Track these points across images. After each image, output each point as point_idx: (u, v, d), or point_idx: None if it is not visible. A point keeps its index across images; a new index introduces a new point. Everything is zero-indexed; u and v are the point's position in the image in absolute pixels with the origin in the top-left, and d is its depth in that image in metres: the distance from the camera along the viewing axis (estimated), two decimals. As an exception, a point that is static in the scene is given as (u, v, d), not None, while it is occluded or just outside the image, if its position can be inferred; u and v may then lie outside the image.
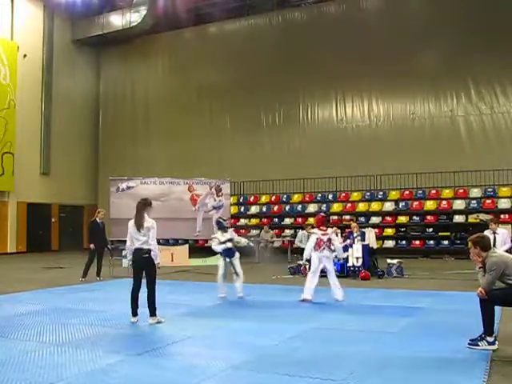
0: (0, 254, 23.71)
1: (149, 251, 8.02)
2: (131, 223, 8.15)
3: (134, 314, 8.11)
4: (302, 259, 15.57)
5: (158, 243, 20.76)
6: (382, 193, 23.33)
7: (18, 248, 24.62)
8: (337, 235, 11.43)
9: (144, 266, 8.10)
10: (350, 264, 14.46)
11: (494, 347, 6.21)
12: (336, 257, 11.65)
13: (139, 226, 8.04)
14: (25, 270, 17.33)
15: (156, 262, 8.08)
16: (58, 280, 14.07)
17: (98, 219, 14.22)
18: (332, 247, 10.36)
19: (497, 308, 6.47)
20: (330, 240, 10.29)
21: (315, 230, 10.45)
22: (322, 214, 11.08)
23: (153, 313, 8.05)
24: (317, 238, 10.24)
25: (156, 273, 8.16)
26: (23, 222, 25.72)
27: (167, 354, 6.25)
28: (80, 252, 22.05)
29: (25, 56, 26.40)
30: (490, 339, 6.24)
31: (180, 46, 28.89)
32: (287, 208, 24.64)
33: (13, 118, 25.39)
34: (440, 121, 23.13)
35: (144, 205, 8.22)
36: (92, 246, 14.04)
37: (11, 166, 25.23)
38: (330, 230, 10.42)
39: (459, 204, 21.64)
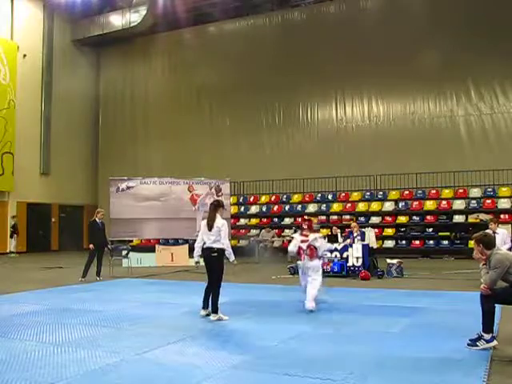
0: (0, 253, 23.73)
1: (218, 250, 8.34)
2: (203, 223, 8.57)
3: (204, 306, 8.56)
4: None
5: (158, 243, 20.72)
6: (381, 193, 23.34)
7: (17, 248, 24.62)
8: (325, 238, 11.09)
9: (211, 264, 8.46)
10: (349, 264, 14.47)
11: (493, 344, 6.21)
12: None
13: (210, 225, 8.39)
14: (25, 270, 17.34)
15: (231, 260, 8.59)
16: (57, 280, 14.08)
17: (97, 219, 14.24)
18: (316, 254, 9.38)
19: (497, 308, 6.47)
20: (310, 247, 9.32)
21: (296, 235, 9.78)
22: (306, 218, 10.35)
23: (214, 310, 8.32)
24: (295, 245, 9.52)
25: (222, 272, 8.47)
26: (23, 222, 25.70)
27: (167, 354, 6.24)
28: (80, 252, 22.06)
29: (24, 56, 26.41)
30: (488, 337, 6.24)
31: (180, 46, 28.89)
32: (287, 208, 24.64)
33: (13, 118, 25.40)
34: (440, 121, 23.14)
35: (216, 206, 8.63)
36: (91, 246, 14.06)
37: (11, 165, 25.24)
38: (311, 236, 9.41)
39: (459, 204, 21.65)
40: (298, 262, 9.55)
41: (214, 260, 8.39)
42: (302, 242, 9.35)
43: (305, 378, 5.23)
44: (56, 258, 21.80)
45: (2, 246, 24.82)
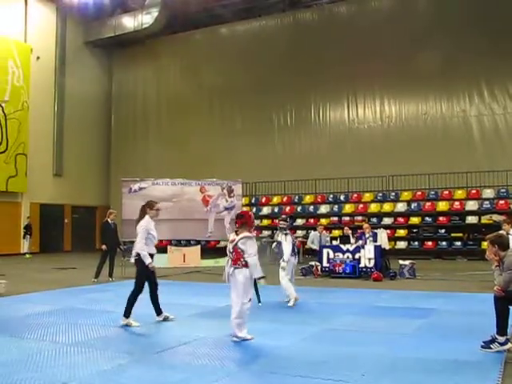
0: (13, 254, 23.89)
1: (137, 254, 8.02)
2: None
3: (156, 313, 8.29)
4: (313, 260, 15.64)
5: (170, 244, 20.68)
6: (394, 193, 23.25)
7: (30, 248, 24.76)
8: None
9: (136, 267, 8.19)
10: (362, 265, 14.42)
11: (507, 346, 6.16)
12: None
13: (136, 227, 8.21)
14: (38, 271, 17.44)
15: (147, 264, 7.97)
16: (70, 280, 14.16)
17: (109, 220, 14.30)
18: (241, 261, 6.84)
19: (511, 310, 6.41)
20: (236, 250, 6.89)
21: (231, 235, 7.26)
22: (242, 211, 8.19)
23: (124, 313, 8.01)
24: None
25: (140, 275, 8.08)
26: (36, 223, 25.86)
27: (179, 355, 6.26)
28: (92, 253, 22.15)
29: (38, 58, 26.60)
30: (502, 340, 6.19)
31: (191, 47, 28.95)
32: (299, 209, 24.61)
33: (26, 120, 25.58)
34: (452, 121, 23.00)
35: (142, 207, 8.34)
36: (104, 246, 14.12)
37: (24, 167, 25.42)
38: (241, 235, 6.92)
39: (472, 205, 21.50)
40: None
41: (136, 263, 8.10)
42: (231, 242, 7.06)
43: (317, 379, 5.22)
44: (69, 259, 21.92)
45: (16, 246, 24.98)
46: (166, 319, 8.28)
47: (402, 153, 22.74)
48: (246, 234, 6.92)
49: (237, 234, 6.98)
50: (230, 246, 7.02)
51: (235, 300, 6.83)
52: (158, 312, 8.35)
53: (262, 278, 6.94)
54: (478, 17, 22.27)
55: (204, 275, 16.07)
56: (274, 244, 9.87)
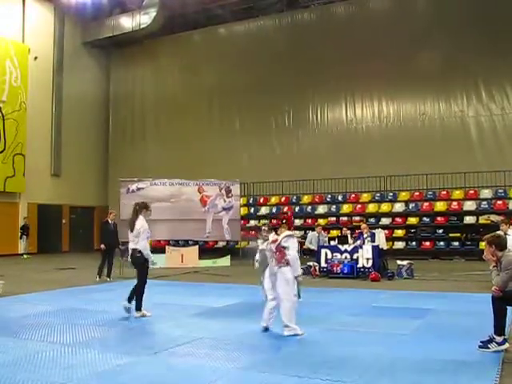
0: (11, 255, 23.86)
1: (140, 251, 8.57)
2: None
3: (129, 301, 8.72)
4: (311, 261, 15.66)
5: (169, 244, 20.72)
6: (391, 194, 23.25)
7: (28, 249, 24.73)
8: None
9: (135, 265, 8.81)
10: (359, 265, 14.44)
11: (505, 346, 6.17)
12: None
13: (131, 227, 8.66)
14: (36, 271, 17.42)
15: (150, 261, 8.74)
16: (68, 281, 14.14)
17: (109, 220, 14.30)
18: (285, 259, 7.21)
19: (508, 310, 6.42)
20: (280, 249, 7.24)
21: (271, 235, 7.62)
22: (283, 212, 8.07)
23: (137, 307, 8.63)
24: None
25: (145, 272, 8.76)
26: (34, 224, 25.83)
27: (177, 355, 6.25)
28: (90, 253, 22.14)
29: (35, 58, 26.56)
30: (499, 339, 6.20)
31: (189, 47, 28.93)
32: (297, 209, 24.59)
33: (24, 120, 25.55)
34: (450, 121, 23.01)
35: (138, 207, 8.80)
36: (102, 246, 14.11)
37: (22, 167, 25.38)
38: (283, 234, 7.33)
39: (470, 205, 21.51)
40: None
41: (138, 260, 8.66)
42: (273, 242, 7.38)
43: (316, 379, 5.22)
44: (67, 259, 21.88)
45: (14, 247, 24.93)
46: (143, 316, 8.61)
47: (399, 153, 22.74)
48: (288, 232, 7.41)
49: (277, 234, 7.35)
50: (272, 247, 7.32)
51: (283, 296, 7.18)
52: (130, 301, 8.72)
53: (301, 275, 7.44)
54: (476, 17, 22.28)
55: (202, 275, 16.07)
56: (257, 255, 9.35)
